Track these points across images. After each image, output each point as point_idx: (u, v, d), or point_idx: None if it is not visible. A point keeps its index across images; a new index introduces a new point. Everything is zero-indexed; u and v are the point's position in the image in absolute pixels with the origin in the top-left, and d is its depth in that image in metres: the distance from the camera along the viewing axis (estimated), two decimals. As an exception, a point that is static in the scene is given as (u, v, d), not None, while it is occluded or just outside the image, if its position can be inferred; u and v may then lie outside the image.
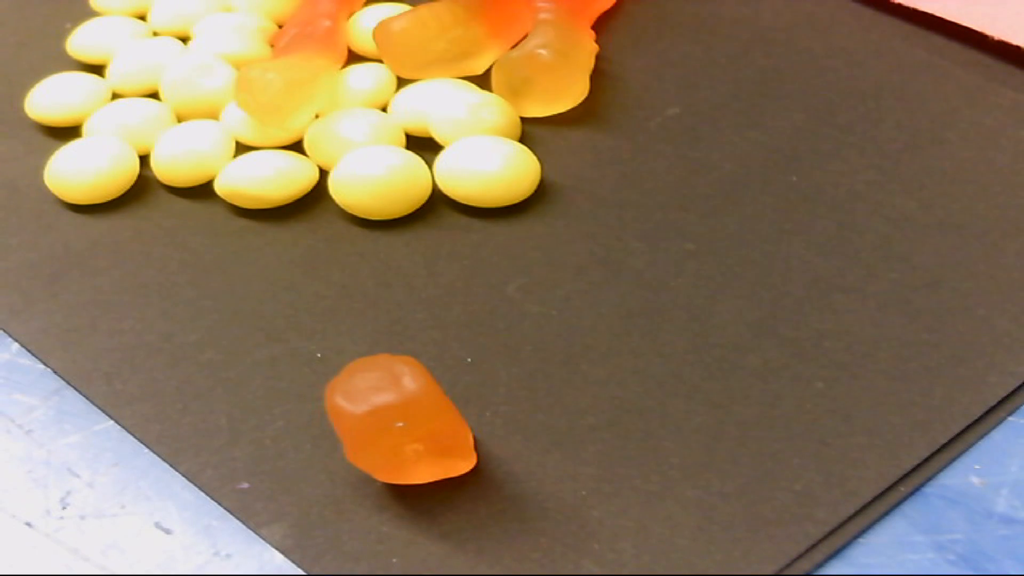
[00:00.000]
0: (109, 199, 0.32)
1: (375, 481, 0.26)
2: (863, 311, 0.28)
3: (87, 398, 0.28)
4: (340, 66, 0.35)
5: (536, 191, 0.32)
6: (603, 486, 0.25)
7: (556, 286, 0.30)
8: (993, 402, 0.26)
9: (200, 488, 0.26)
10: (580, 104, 0.34)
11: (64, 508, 0.26)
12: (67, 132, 0.34)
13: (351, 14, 0.37)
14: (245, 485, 0.26)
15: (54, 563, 0.25)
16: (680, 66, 0.35)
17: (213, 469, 0.26)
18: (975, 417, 0.26)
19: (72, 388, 0.28)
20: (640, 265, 0.30)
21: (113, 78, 0.36)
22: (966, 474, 0.26)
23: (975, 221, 0.30)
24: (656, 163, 0.32)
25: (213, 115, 0.34)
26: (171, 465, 0.26)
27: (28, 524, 0.26)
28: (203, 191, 0.33)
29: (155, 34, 0.38)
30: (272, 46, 0.36)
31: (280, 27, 0.37)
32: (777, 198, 0.31)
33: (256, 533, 0.25)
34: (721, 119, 0.34)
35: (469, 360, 0.28)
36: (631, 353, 0.28)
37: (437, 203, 0.32)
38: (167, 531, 0.26)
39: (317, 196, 0.32)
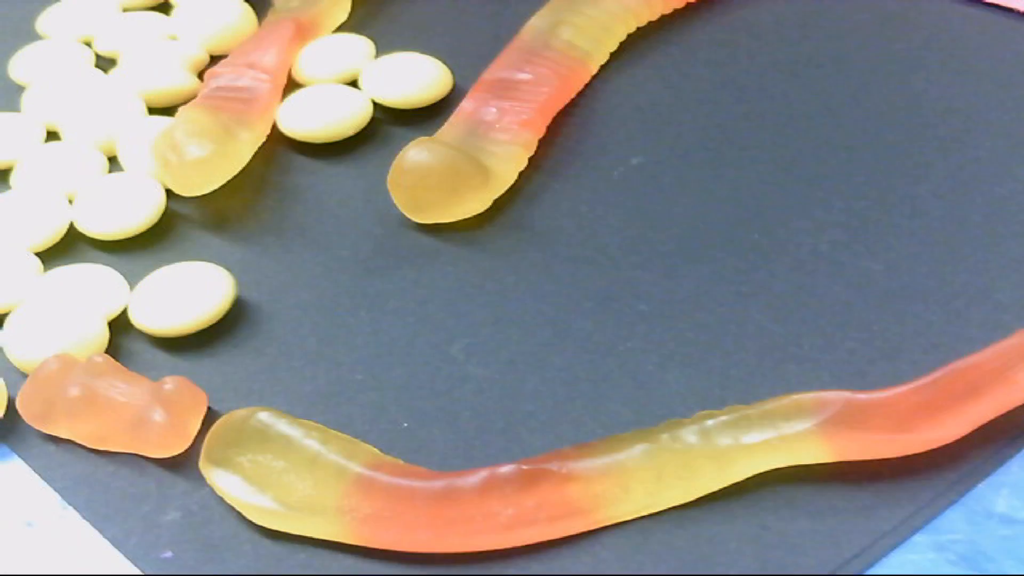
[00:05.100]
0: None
1: (299, 552, 0.25)
2: (816, 384, 0.27)
3: (25, 461, 0.27)
4: (264, 137, 0.34)
5: (487, 244, 0.31)
6: None
7: (502, 347, 0.29)
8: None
9: (124, 555, 0.26)
10: (541, 148, 0.33)
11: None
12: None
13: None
14: (168, 554, 0.25)
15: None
16: (648, 111, 0.34)
17: (139, 536, 0.26)
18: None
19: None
20: (590, 327, 0.29)
21: (28, 109, 0.35)
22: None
23: (941, 287, 0.29)
24: (615, 217, 0.32)
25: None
26: (97, 531, 0.26)
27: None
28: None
29: (97, 58, 0.37)
30: (201, 80, 0.35)
31: (212, 58, 0.37)
32: (737, 257, 0.30)
33: (175, 605, 0.25)
34: (686, 169, 0.33)
35: (406, 425, 0.27)
36: (572, 423, 0.27)
37: (388, 255, 0.31)
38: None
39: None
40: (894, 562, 0.24)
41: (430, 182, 0.31)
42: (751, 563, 0.24)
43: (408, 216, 0.32)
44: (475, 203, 0.32)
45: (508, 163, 0.32)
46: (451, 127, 0.33)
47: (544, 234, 0.31)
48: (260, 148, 0.34)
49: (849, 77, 0.35)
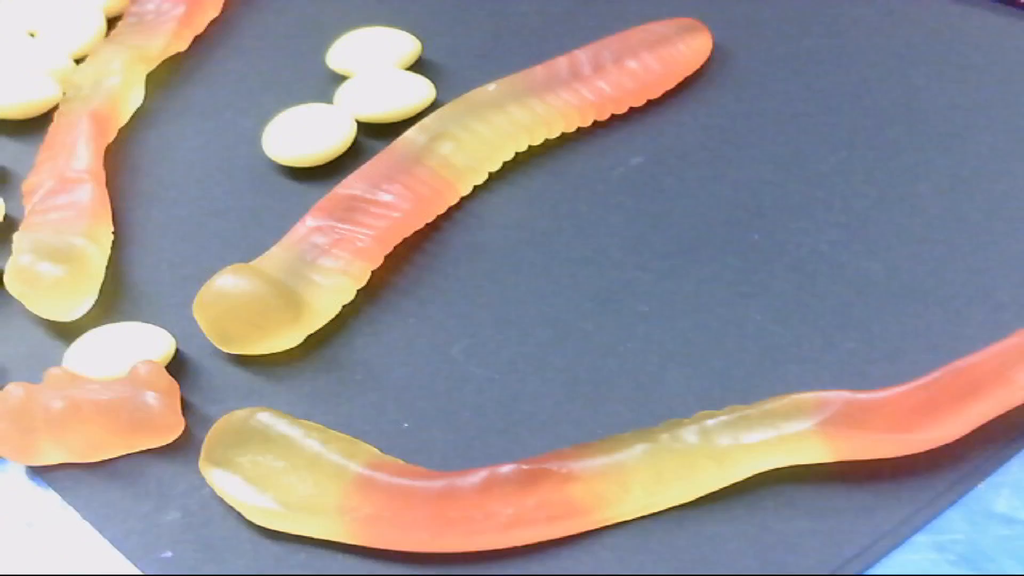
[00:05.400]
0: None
1: (299, 552, 0.25)
2: (816, 384, 0.27)
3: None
4: (110, 240, 0.32)
5: (488, 245, 0.31)
6: None
7: (502, 348, 0.29)
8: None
9: (124, 555, 0.26)
10: (541, 148, 0.33)
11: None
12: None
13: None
14: (168, 554, 0.25)
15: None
16: (648, 110, 0.34)
17: (139, 536, 0.26)
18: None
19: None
20: (590, 328, 0.29)
21: None
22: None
23: (941, 287, 0.29)
24: (615, 217, 0.31)
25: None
26: (97, 531, 0.26)
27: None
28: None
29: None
30: (25, 194, 0.33)
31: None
32: (737, 257, 0.30)
33: (175, 605, 0.25)
34: (686, 170, 0.33)
35: (406, 425, 0.27)
36: (572, 423, 0.27)
37: (388, 255, 0.31)
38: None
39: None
40: (894, 562, 0.24)
41: (234, 315, 0.29)
42: (751, 563, 0.24)
43: (215, 344, 0.29)
44: (283, 340, 0.29)
45: (331, 296, 0.29)
46: (281, 249, 0.30)
47: (545, 234, 0.31)
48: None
49: (849, 76, 0.35)
